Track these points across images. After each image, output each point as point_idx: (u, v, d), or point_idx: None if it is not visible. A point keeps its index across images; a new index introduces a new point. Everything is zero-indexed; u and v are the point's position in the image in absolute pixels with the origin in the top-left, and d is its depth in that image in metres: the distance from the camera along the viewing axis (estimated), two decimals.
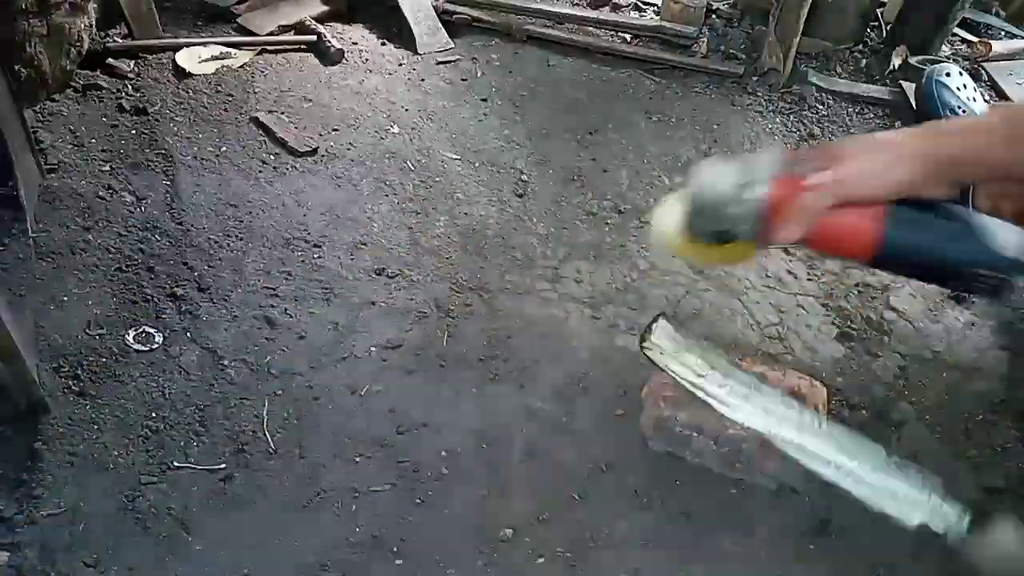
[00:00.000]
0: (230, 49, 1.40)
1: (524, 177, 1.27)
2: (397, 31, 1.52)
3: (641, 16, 1.66)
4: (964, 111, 1.30)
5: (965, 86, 1.35)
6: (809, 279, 1.15)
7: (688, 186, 0.63)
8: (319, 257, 1.09)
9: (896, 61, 1.53)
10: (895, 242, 0.58)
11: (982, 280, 0.58)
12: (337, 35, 1.47)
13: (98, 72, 1.32)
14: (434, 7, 1.54)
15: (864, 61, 1.56)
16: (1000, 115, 0.57)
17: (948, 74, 1.36)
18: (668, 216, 0.65)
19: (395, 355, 0.98)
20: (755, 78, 1.49)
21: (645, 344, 0.78)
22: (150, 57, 1.37)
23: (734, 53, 1.55)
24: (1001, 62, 1.57)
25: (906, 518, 0.67)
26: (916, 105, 1.40)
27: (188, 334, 0.97)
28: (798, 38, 1.44)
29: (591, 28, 1.60)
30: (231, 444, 0.87)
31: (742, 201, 0.59)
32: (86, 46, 1.31)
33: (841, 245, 0.64)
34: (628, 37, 1.59)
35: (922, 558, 0.81)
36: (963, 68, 1.44)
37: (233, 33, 1.46)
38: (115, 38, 1.38)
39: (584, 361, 1.00)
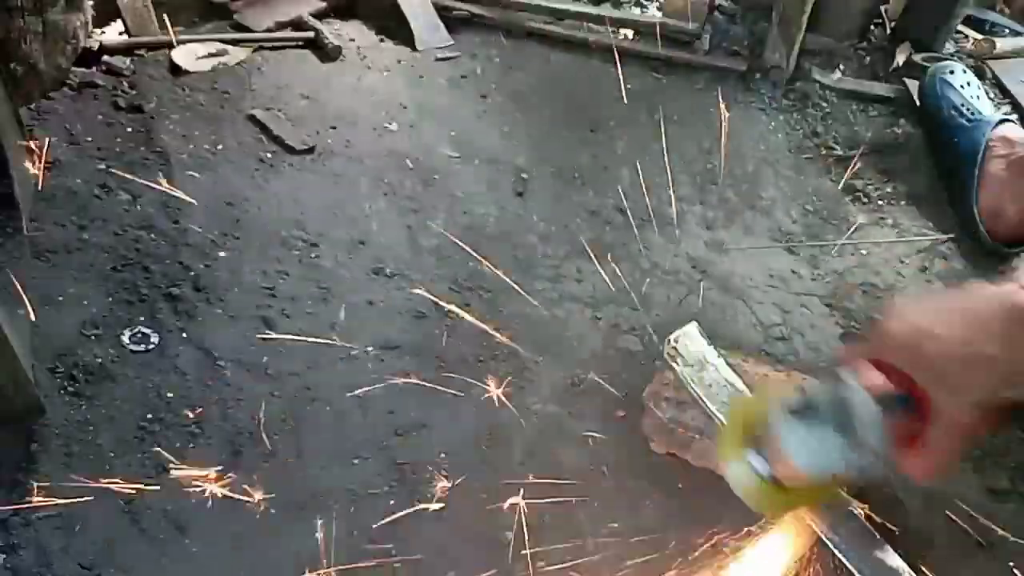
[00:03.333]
0: (227, 46, 1.39)
1: (524, 175, 1.26)
2: (396, 27, 1.51)
3: (643, 12, 1.65)
4: (967, 109, 1.29)
5: (969, 84, 1.35)
6: (813, 279, 1.14)
7: (769, 444, 0.54)
8: (317, 256, 1.08)
9: (900, 58, 1.52)
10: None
11: None
12: (335, 31, 1.46)
13: (94, 69, 1.31)
14: (433, 3, 1.53)
15: (868, 58, 1.55)
16: None
17: (951, 72, 1.35)
18: (747, 476, 0.56)
19: (394, 355, 0.97)
20: (758, 75, 1.48)
21: (670, 351, 0.79)
22: (146, 54, 1.36)
23: (737, 50, 1.54)
24: (1006, 59, 1.55)
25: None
26: (919, 103, 1.39)
27: (184, 334, 0.96)
28: (801, 35, 1.42)
29: (592, 24, 1.58)
30: (228, 446, 0.86)
31: (863, 465, 0.51)
32: (82, 43, 1.29)
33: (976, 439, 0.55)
34: (630, 33, 1.58)
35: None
36: (967, 66, 1.43)
37: (230, 30, 1.45)
38: (111, 35, 1.37)
39: (585, 361, 0.99)
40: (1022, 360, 0.47)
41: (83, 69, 1.30)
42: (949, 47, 1.59)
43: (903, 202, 1.28)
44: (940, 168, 1.31)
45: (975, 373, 0.47)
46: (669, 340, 0.90)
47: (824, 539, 0.77)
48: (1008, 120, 1.27)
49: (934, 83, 1.34)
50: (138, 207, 1.11)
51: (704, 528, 0.83)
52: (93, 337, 0.94)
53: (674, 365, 0.86)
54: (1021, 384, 0.48)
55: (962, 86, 1.33)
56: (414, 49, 1.47)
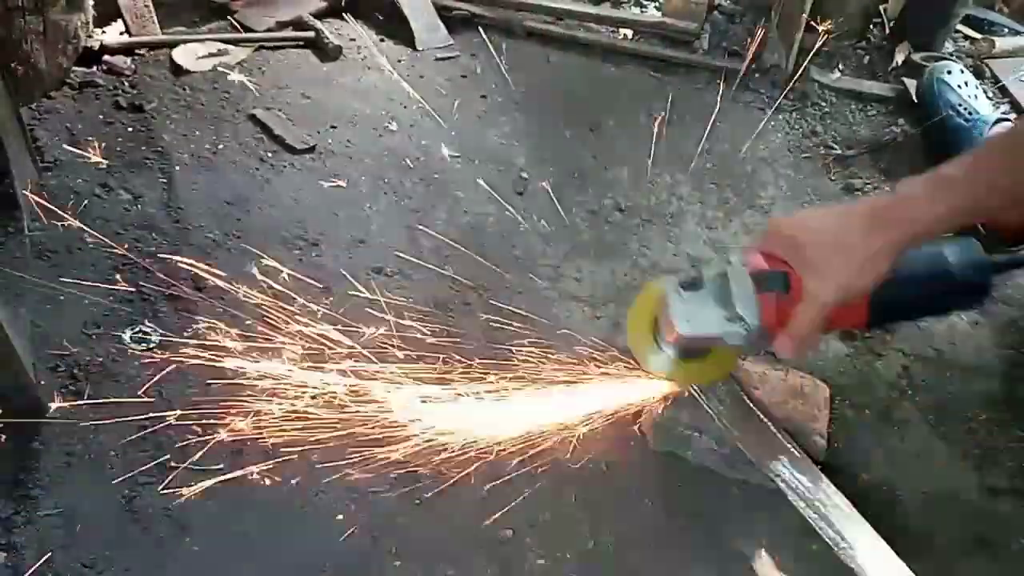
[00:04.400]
0: (227, 46, 1.39)
1: (524, 175, 1.26)
2: (396, 27, 1.51)
3: (642, 12, 1.65)
4: (965, 108, 1.30)
5: (966, 84, 1.35)
6: None
7: (662, 316, 0.63)
8: (318, 255, 1.08)
9: (899, 58, 1.52)
10: (880, 310, 0.62)
11: (963, 303, 0.65)
12: (335, 31, 1.46)
13: (95, 69, 1.31)
14: (433, 3, 1.53)
15: (867, 58, 1.55)
16: (943, 195, 0.57)
17: (949, 72, 1.35)
18: (657, 353, 0.66)
19: (393, 355, 0.97)
20: (757, 75, 1.48)
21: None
22: (147, 54, 1.36)
23: (736, 50, 1.54)
24: (1004, 59, 1.56)
25: None
26: (917, 103, 1.39)
27: (186, 333, 0.96)
28: (800, 34, 1.42)
29: (592, 24, 1.58)
30: (229, 444, 0.86)
31: (736, 332, 0.60)
32: (83, 43, 1.30)
33: (834, 328, 0.69)
34: (629, 33, 1.58)
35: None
36: (966, 65, 1.43)
37: (230, 29, 1.45)
38: (112, 35, 1.37)
39: (584, 360, 0.99)
40: (875, 249, 0.56)
41: (84, 69, 1.30)
42: (948, 46, 1.59)
43: None
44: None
45: (837, 257, 0.57)
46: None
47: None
48: (1006, 119, 1.28)
49: (932, 83, 1.35)
50: (139, 207, 1.11)
51: (704, 526, 0.83)
52: (94, 336, 0.94)
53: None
54: (873, 275, 0.56)
55: (960, 86, 1.34)
56: (414, 49, 1.47)
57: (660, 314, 0.64)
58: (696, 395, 0.86)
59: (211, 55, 1.37)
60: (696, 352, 0.65)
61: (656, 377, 0.72)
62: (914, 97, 1.41)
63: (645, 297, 0.67)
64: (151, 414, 0.88)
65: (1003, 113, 1.36)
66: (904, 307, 0.64)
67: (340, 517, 0.81)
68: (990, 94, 1.46)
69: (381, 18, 1.52)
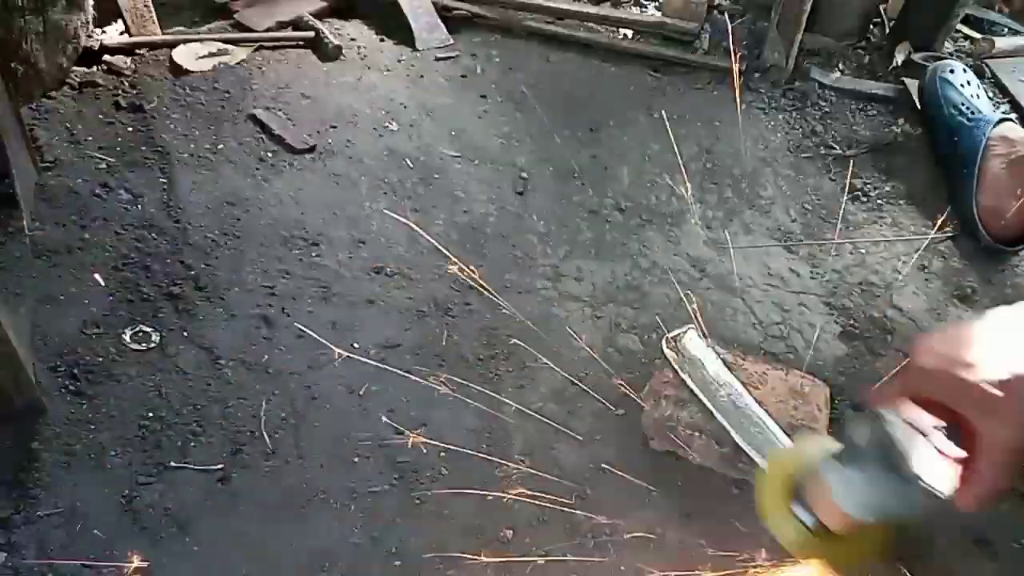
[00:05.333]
0: (227, 45, 1.39)
1: (524, 175, 1.26)
2: (396, 27, 1.51)
3: (642, 12, 1.65)
4: (967, 108, 1.29)
5: (969, 83, 1.35)
6: (812, 277, 1.15)
7: (815, 495, 0.53)
8: (317, 255, 1.08)
9: (899, 58, 1.52)
10: None
11: None
12: (335, 31, 1.46)
13: (95, 69, 1.31)
14: (433, 3, 1.53)
15: (867, 58, 1.55)
16: None
17: (952, 71, 1.35)
18: (784, 516, 0.56)
19: (394, 354, 0.97)
20: (757, 75, 1.48)
21: (669, 348, 0.81)
22: (147, 54, 1.36)
23: (736, 49, 1.54)
24: (1005, 59, 1.56)
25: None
26: (919, 102, 1.39)
27: (185, 333, 0.96)
28: (800, 34, 1.43)
29: (592, 24, 1.58)
30: (229, 444, 0.86)
31: (915, 499, 0.49)
32: (83, 43, 1.30)
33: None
34: (629, 33, 1.58)
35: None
36: (966, 65, 1.43)
37: (230, 29, 1.45)
38: (112, 35, 1.37)
39: (584, 360, 0.99)
40: None
41: (84, 69, 1.30)
42: (948, 46, 1.59)
43: (902, 201, 1.28)
44: (940, 167, 1.31)
45: (1018, 396, 0.46)
46: (667, 337, 0.91)
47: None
48: (1008, 119, 1.27)
49: (934, 82, 1.35)
50: (139, 206, 1.11)
51: (704, 525, 0.83)
52: (94, 336, 0.94)
53: (671, 360, 0.86)
54: None
55: (962, 85, 1.33)
56: (414, 49, 1.47)
57: (808, 489, 0.54)
58: (696, 393, 0.86)
59: (211, 55, 1.37)
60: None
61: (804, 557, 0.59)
62: (915, 96, 1.41)
63: (780, 465, 0.58)
64: (151, 414, 0.88)
65: (1004, 113, 1.36)
66: None
67: (340, 517, 0.81)
68: (990, 94, 1.46)
69: (381, 18, 1.52)
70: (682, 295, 1.05)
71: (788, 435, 0.86)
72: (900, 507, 0.51)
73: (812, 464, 0.54)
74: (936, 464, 0.49)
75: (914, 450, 0.49)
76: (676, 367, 0.85)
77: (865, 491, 0.51)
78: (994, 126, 1.23)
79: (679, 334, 0.90)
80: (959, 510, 0.50)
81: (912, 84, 1.44)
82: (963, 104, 1.30)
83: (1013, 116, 1.35)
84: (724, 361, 0.90)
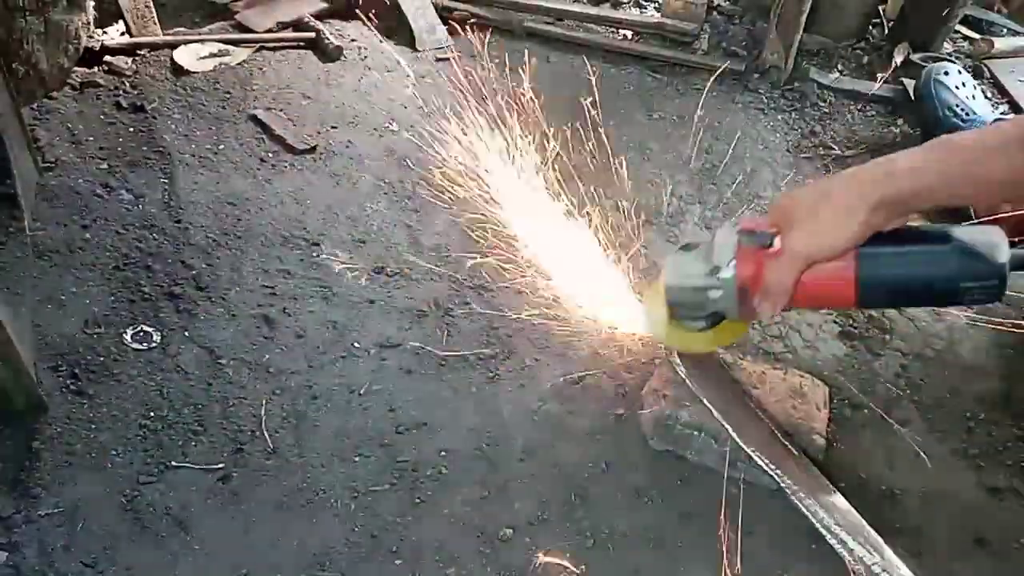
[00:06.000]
0: (228, 46, 1.40)
1: (524, 175, 1.26)
2: (396, 28, 1.51)
3: (642, 13, 1.65)
4: (963, 109, 1.31)
5: (964, 84, 1.35)
6: None
7: (661, 279, 0.65)
8: (318, 255, 1.09)
9: (898, 58, 1.52)
10: (873, 284, 0.58)
11: (977, 291, 0.57)
12: (336, 32, 1.46)
13: (96, 69, 1.31)
14: (433, 4, 1.54)
15: (866, 58, 1.55)
16: (936, 156, 0.56)
17: (947, 73, 1.36)
18: (656, 313, 0.67)
19: (394, 354, 0.97)
20: (756, 75, 1.48)
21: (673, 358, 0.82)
22: (148, 54, 1.36)
23: (735, 50, 1.55)
24: (1003, 59, 1.56)
25: None
26: (915, 103, 1.40)
27: (186, 333, 0.96)
28: (799, 35, 1.43)
29: (592, 25, 1.59)
30: (229, 443, 0.86)
31: (715, 286, 0.60)
32: (84, 44, 1.30)
33: (823, 301, 0.67)
34: (629, 34, 1.58)
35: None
36: (965, 66, 1.44)
37: (231, 30, 1.46)
38: (113, 35, 1.38)
39: (584, 360, 0.99)
40: (852, 201, 0.56)
41: (85, 69, 1.30)
42: (947, 47, 1.59)
43: None
44: None
45: (813, 209, 0.57)
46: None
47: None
48: (1003, 120, 1.28)
49: (929, 84, 1.35)
50: (140, 206, 1.11)
51: (703, 524, 0.83)
52: (95, 335, 0.94)
53: (678, 370, 0.87)
54: (850, 228, 0.56)
55: (957, 86, 1.34)
56: (415, 49, 1.47)
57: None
58: (695, 391, 0.86)
59: (212, 55, 1.37)
60: (703, 319, 0.65)
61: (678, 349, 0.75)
62: (912, 98, 1.42)
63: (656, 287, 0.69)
64: (152, 413, 0.88)
65: (1002, 113, 1.37)
66: (898, 287, 0.59)
67: (340, 516, 0.82)
68: (988, 94, 1.46)
69: (382, 19, 1.53)
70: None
71: (789, 436, 0.86)
72: (702, 283, 0.62)
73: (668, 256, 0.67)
74: (731, 255, 0.60)
75: (724, 244, 0.61)
76: (683, 376, 0.85)
77: (684, 268, 0.63)
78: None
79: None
80: (756, 311, 0.60)
81: (911, 84, 1.45)
82: (958, 106, 1.31)
83: (1009, 117, 1.36)
84: (724, 361, 0.90)
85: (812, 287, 0.59)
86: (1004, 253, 0.57)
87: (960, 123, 1.29)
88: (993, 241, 0.57)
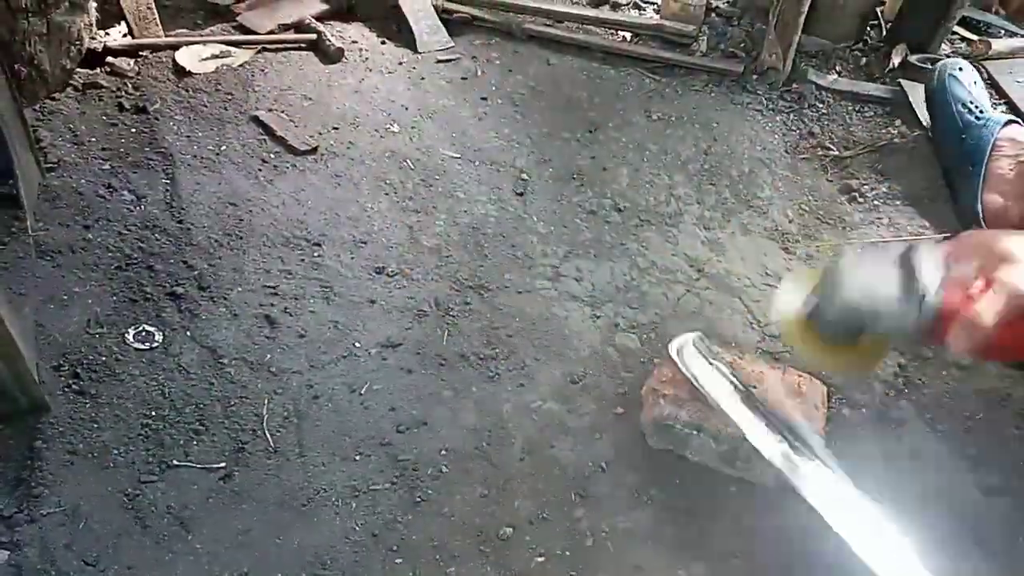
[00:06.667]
0: (230, 48, 1.40)
1: (524, 176, 1.27)
2: (397, 30, 1.52)
3: (640, 14, 1.66)
4: (976, 107, 1.27)
5: (976, 82, 1.33)
6: None
7: (829, 277, 0.59)
8: (319, 256, 1.09)
9: (896, 60, 1.53)
10: None
11: None
12: (337, 34, 1.47)
13: (98, 71, 1.32)
14: (434, 6, 1.54)
15: (864, 60, 1.56)
16: None
17: (961, 69, 1.32)
18: (793, 303, 0.61)
19: (395, 354, 0.98)
20: (755, 76, 1.49)
21: (676, 354, 0.82)
22: (150, 56, 1.37)
23: (734, 51, 1.55)
24: (1001, 60, 1.57)
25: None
26: (926, 100, 1.36)
27: (188, 333, 0.97)
28: (798, 36, 1.44)
29: (591, 27, 1.60)
30: (231, 443, 0.87)
31: (913, 310, 0.55)
32: (86, 45, 1.31)
33: (1017, 353, 0.60)
34: (628, 36, 1.59)
35: None
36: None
37: (233, 32, 1.46)
38: (115, 37, 1.38)
39: (584, 359, 1.00)
40: None
41: (87, 70, 1.31)
42: (945, 48, 1.60)
43: (899, 202, 1.29)
44: (943, 164, 1.30)
45: None
46: (673, 346, 0.91)
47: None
48: (1015, 121, 1.26)
49: (943, 79, 1.32)
50: (142, 207, 1.12)
51: (703, 523, 0.84)
52: (97, 335, 0.95)
53: (678, 364, 0.87)
54: None
55: (971, 84, 1.32)
56: (415, 51, 1.48)
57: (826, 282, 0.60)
58: (697, 389, 0.86)
59: (214, 57, 1.38)
60: (846, 334, 0.60)
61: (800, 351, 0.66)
62: (911, 98, 1.42)
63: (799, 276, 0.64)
64: (154, 413, 0.88)
65: (1005, 114, 1.36)
66: None
67: (341, 515, 0.82)
68: (988, 97, 1.46)
69: (382, 21, 1.54)
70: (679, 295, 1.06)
71: (794, 428, 0.86)
72: (895, 307, 0.57)
73: (839, 254, 0.61)
74: (939, 279, 0.56)
75: (930, 262, 0.56)
76: (685, 373, 0.85)
77: (870, 279, 0.57)
78: (1002, 127, 1.22)
79: (683, 342, 0.90)
80: (950, 343, 0.56)
81: (909, 86, 1.45)
82: (971, 102, 1.27)
83: (1015, 118, 1.36)
84: (724, 362, 0.90)
85: (1008, 339, 0.55)
86: None
87: (974, 120, 1.25)
88: None
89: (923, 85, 1.39)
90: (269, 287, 1.04)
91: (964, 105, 1.28)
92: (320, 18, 1.50)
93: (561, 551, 0.81)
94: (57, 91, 1.26)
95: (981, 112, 1.27)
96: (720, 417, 0.84)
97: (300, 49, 1.45)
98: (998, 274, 0.55)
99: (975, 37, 1.62)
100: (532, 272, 1.11)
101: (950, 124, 1.28)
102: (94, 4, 1.32)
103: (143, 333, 0.95)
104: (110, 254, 1.04)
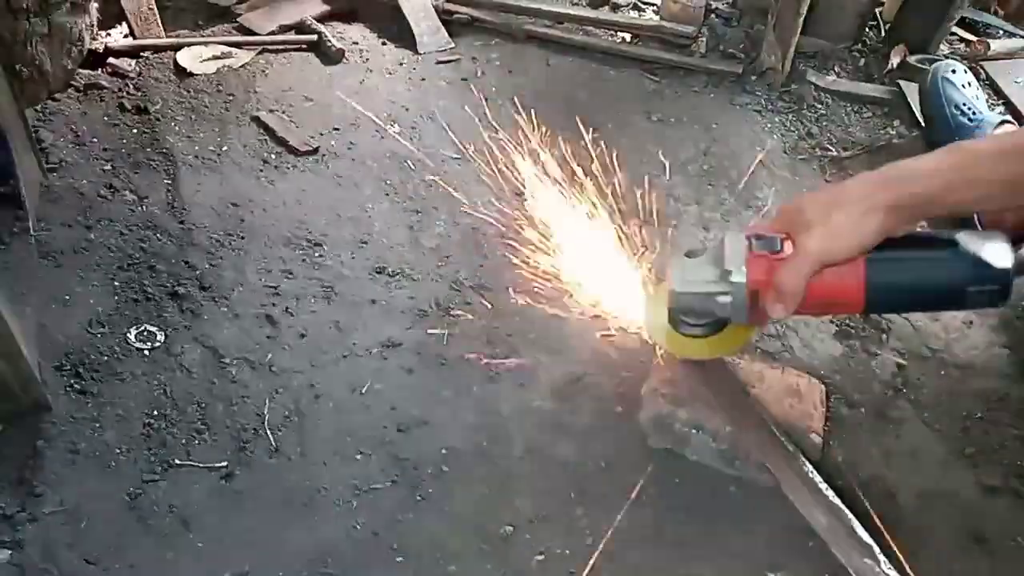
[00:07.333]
0: (231, 48, 1.41)
1: (524, 176, 1.27)
2: (397, 31, 1.52)
3: (640, 15, 1.67)
4: (969, 108, 1.28)
5: (970, 84, 1.34)
6: None
7: (666, 284, 0.66)
8: (320, 256, 1.09)
9: (894, 60, 1.53)
10: (880, 290, 0.59)
11: (981, 295, 0.59)
12: (338, 35, 1.48)
13: (99, 71, 1.32)
14: (434, 7, 1.55)
15: (862, 60, 1.56)
16: (951, 161, 0.57)
17: (954, 71, 1.33)
18: (658, 318, 0.68)
19: (396, 353, 0.98)
20: (754, 77, 1.49)
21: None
22: (151, 56, 1.37)
23: (733, 52, 1.56)
24: (1000, 61, 1.57)
25: None
26: (920, 101, 1.38)
27: (190, 332, 0.97)
28: (796, 37, 1.44)
29: (591, 28, 1.60)
30: (232, 442, 0.87)
31: (725, 292, 0.61)
32: (87, 46, 1.31)
33: (830, 307, 0.66)
34: (627, 36, 1.60)
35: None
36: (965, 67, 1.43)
37: (234, 32, 1.47)
38: (116, 37, 1.39)
39: (584, 359, 1.00)
40: (866, 203, 0.57)
41: (89, 71, 1.31)
42: (944, 49, 1.60)
43: None
44: None
45: (827, 212, 0.58)
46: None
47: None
48: (1008, 122, 1.27)
49: (936, 81, 1.32)
50: (144, 207, 1.12)
51: (702, 522, 0.84)
52: (99, 335, 0.95)
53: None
54: (863, 231, 0.57)
55: (963, 85, 1.32)
56: (416, 52, 1.48)
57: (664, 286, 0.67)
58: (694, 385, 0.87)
59: (215, 58, 1.38)
60: (706, 326, 0.66)
61: (680, 355, 0.74)
62: (910, 99, 1.42)
63: (660, 289, 0.69)
64: (155, 412, 0.89)
65: (1001, 115, 1.37)
66: (905, 292, 0.60)
67: (342, 514, 0.82)
68: (985, 96, 1.47)
69: (383, 22, 1.54)
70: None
71: (787, 434, 0.87)
72: (712, 289, 0.62)
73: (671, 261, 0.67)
74: (742, 260, 0.61)
75: (734, 249, 0.61)
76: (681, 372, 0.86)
77: (691, 275, 0.63)
78: (995, 127, 1.23)
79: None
80: (768, 313, 0.60)
81: (907, 86, 1.45)
82: (965, 104, 1.28)
83: (1010, 119, 1.36)
84: (723, 361, 0.91)
85: (820, 292, 0.59)
86: (1009, 258, 0.58)
87: (967, 122, 1.25)
88: (998, 245, 0.59)
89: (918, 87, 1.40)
90: (270, 287, 1.04)
91: (958, 107, 1.28)
92: (321, 19, 1.50)
93: (561, 550, 0.81)
94: (58, 92, 1.27)
95: (975, 114, 1.27)
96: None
97: (301, 50, 1.45)
98: (799, 238, 0.59)
99: (974, 38, 1.63)
100: (532, 272, 1.11)
101: (943, 126, 1.29)
102: (95, 5, 1.32)
103: (145, 333, 0.96)
104: (112, 254, 1.05)
